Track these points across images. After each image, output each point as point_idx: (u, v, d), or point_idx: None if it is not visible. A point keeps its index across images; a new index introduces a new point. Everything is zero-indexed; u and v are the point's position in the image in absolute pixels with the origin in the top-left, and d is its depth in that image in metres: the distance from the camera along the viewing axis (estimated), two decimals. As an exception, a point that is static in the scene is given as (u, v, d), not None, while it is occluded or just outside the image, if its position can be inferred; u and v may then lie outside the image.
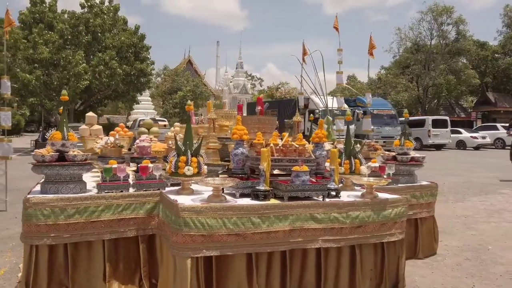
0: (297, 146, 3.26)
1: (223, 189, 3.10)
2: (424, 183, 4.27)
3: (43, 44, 18.32)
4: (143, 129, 5.33)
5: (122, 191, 3.03)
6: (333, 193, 3.15)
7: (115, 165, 3.08)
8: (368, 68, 8.13)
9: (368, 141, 4.91)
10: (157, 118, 23.17)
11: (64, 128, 3.00)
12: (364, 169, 3.56)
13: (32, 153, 2.98)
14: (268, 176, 2.95)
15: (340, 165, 3.54)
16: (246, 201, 2.84)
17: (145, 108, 32.18)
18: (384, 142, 21.59)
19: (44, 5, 20.30)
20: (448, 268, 3.90)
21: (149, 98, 34.50)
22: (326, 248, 2.98)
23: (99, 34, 20.63)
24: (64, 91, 3.44)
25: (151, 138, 4.33)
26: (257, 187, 2.91)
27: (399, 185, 4.08)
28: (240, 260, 2.73)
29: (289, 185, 2.87)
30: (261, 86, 61.31)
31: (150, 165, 3.17)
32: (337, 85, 8.69)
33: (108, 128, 9.85)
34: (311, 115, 6.71)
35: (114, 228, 2.96)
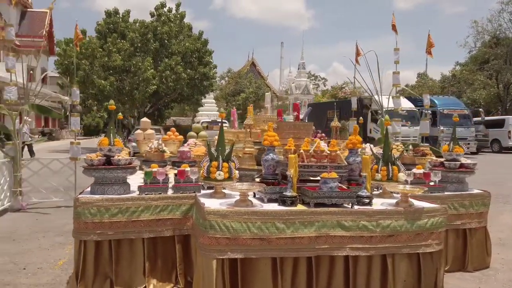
0: (329, 152, 3.26)
1: (254, 194, 3.22)
2: (475, 191, 4.01)
3: (116, 52, 19.82)
4: (192, 133, 5.61)
5: (160, 193, 3.25)
6: (366, 200, 3.10)
7: (155, 169, 3.32)
8: (426, 66, 7.74)
9: (422, 145, 4.70)
10: (219, 120, 23.89)
11: (111, 134, 3.29)
12: (402, 176, 3.45)
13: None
14: (295, 182, 2.99)
15: (378, 171, 3.48)
16: (273, 206, 2.91)
17: (209, 110, 33.30)
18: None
19: (118, 15, 21.93)
20: (498, 283, 3.64)
21: (213, 101, 35.62)
22: (355, 256, 2.95)
23: (166, 41, 21.81)
24: (111, 101, 3.77)
25: (195, 143, 4.57)
26: (284, 193, 2.96)
27: (446, 193, 3.88)
28: (265, 264, 2.81)
29: (315, 192, 2.89)
30: (324, 86, 60.50)
31: (187, 169, 3.36)
32: (393, 85, 8.37)
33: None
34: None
35: (153, 227, 3.20)
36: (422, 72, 51.49)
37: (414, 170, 4.07)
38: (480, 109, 25.21)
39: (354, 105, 8.69)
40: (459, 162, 4.00)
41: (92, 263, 3.10)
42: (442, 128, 20.50)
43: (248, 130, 3.98)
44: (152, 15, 23.46)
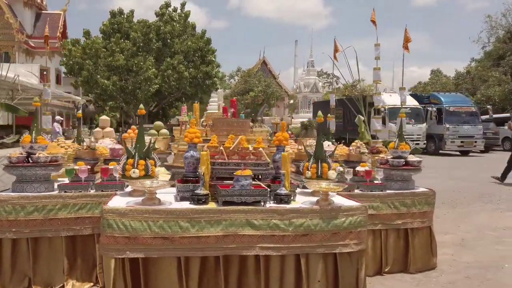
0: (252, 149, 3.18)
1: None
2: (420, 190, 3.87)
3: (119, 52, 20.06)
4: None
5: (80, 191, 3.23)
6: (284, 198, 3.02)
7: (77, 167, 3.30)
8: (402, 64, 7.54)
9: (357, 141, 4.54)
10: None
11: (34, 132, 3.29)
12: (332, 174, 3.34)
13: None
14: (207, 179, 2.93)
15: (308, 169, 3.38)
16: (183, 204, 2.86)
17: (216, 109, 33.37)
18: (461, 142, 19.72)
19: (122, 16, 22.18)
20: (437, 286, 3.49)
21: (221, 99, 35.61)
22: (267, 256, 2.87)
23: (169, 40, 21.94)
24: (36, 98, 3.74)
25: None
26: (196, 191, 2.91)
27: (388, 191, 3.75)
28: (170, 263, 2.75)
29: (224, 190, 2.82)
30: (336, 84, 59.95)
31: (112, 167, 3.33)
32: (374, 82, 8.19)
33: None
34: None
35: (71, 226, 3.18)
36: (436, 69, 50.53)
37: (358, 168, 3.97)
38: (488, 107, 24.46)
39: (332, 102, 8.53)
40: (403, 160, 3.86)
41: (9, 261, 3.10)
42: (447, 126, 19.98)
43: (183, 127, 3.93)
44: (157, 14, 23.64)
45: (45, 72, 32.41)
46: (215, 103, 33.33)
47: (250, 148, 3.26)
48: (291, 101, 48.50)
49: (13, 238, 3.10)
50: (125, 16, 22.16)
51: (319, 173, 3.32)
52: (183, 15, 23.89)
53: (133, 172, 3.02)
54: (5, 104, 6.11)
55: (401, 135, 3.99)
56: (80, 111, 17.93)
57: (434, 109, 20.56)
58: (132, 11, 22.91)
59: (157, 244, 2.69)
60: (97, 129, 5.30)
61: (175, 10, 23.97)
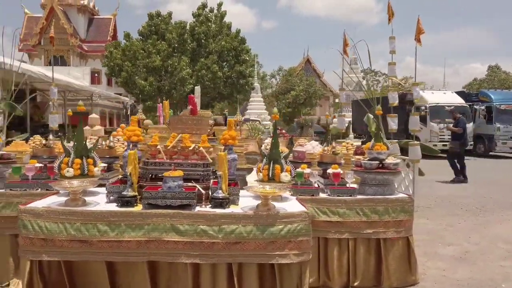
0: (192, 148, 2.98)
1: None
2: (395, 196, 3.45)
3: (156, 53, 20.55)
4: None
5: (25, 190, 3.19)
6: (221, 202, 2.78)
7: (27, 165, 3.27)
8: (415, 57, 6.96)
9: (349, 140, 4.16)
10: (253, 118, 23.72)
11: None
12: (284, 176, 3.04)
13: None
14: (135, 180, 2.77)
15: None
16: (108, 206, 2.72)
17: (257, 108, 33.29)
18: (515, 143, 18.07)
19: (160, 17, 22.72)
20: (406, 305, 3.08)
21: (261, 99, 35.56)
22: (197, 264, 2.65)
23: (203, 41, 22.14)
24: (80, 102, 3.77)
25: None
26: (123, 193, 2.76)
27: (360, 196, 3.38)
28: (101, 268, 2.62)
29: (148, 192, 2.64)
30: (385, 82, 57.73)
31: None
32: (389, 78, 7.65)
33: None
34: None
35: (15, 224, 3.12)
36: (494, 65, 47.00)
37: (329, 170, 3.63)
38: None
39: (393, 100, 8.07)
40: (377, 162, 3.47)
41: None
42: (498, 125, 18.41)
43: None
44: (194, 15, 23.98)
45: (96, 74, 34.21)
46: (255, 102, 33.43)
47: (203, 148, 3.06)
48: (337, 100, 47.37)
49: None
50: (163, 18, 22.66)
51: (271, 175, 3.05)
52: (219, 15, 24.03)
53: (67, 171, 2.92)
54: (8, 103, 6.32)
55: (377, 134, 3.59)
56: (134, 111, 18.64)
57: (483, 107, 19.07)
58: (170, 13, 23.39)
59: (75, 247, 2.56)
60: (86, 127, 5.32)
61: (211, 10, 24.18)
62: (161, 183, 2.85)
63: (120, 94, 26.83)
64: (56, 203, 2.72)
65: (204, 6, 23.89)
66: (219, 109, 41.85)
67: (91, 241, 2.56)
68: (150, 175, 2.90)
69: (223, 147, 3.16)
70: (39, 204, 2.69)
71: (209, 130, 3.76)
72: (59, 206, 2.63)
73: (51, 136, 5.43)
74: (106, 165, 3.58)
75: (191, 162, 2.91)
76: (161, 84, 20.81)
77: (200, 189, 2.82)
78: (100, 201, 2.84)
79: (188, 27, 22.28)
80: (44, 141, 3.78)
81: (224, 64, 21.97)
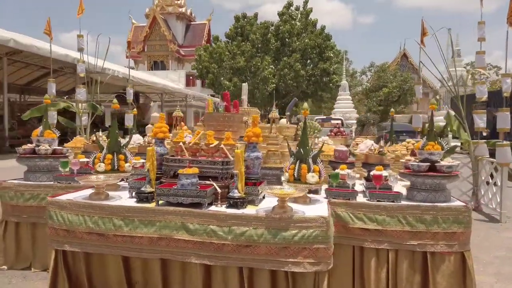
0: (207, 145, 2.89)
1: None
2: (447, 204, 2.95)
3: (241, 54, 21.06)
4: (150, 126, 5.60)
5: (70, 183, 3.42)
6: (237, 202, 2.65)
7: (72, 160, 3.51)
8: (506, 45, 6.02)
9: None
10: (333, 117, 22.91)
11: (41, 126, 3.63)
12: (311, 177, 2.80)
13: None
14: (153, 176, 2.78)
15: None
16: (129, 201, 2.77)
17: (344, 107, 32.19)
18: None
19: (245, 19, 23.23)
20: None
21: (349, 97, 34.29)
22: (209, 265, 2.56)
23: (287, 39, 22.05)
24: (115, 100, 4.09)
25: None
26: (142, 189, 2.79)
27: (404, 202, 2.98)
28: (114, 261, 2.69)
29: (160, 189, 2.62)
30: (497, 75, 51.67)
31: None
32: (477, 69, 6.74)
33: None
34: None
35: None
36: None
37: (373, 172, 3.26)
38: None
39: (419, 95, 7.34)
40: (426, 164, 3.01)
41: (13, 243, 3.48)
42: None
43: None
44: (279, 15, 24.05)
45: (191, 77, 36.40)
46: (342, 101, 32.43)
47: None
48: (437, 97, 43.76)
49: (15, 222, 3.46)
50: (248, 20, 23.11)
51: (296, 176, 2.83)
52: (304, 12, 23.73)
53: (99, 166, 3.05)
54: (91, 104, 6.96)
55: (431, 131, 3.12)
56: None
57: None
58: (256, 14, 23.76)
59: (93, 239, 2.65)
60: (148, 125, 5.60)
61: (297, 8, 24.00)
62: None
63: (213, 95, 28.16)
64: (82, 197, 2.84)
65: (290, 4, 23.83)
66: (317, 108, 41.45)
67: (107, 235, 2.63)
68: (171, 172, 2.88)
69: (245, 144, 3.02)
70: (68, 196, 2.84)
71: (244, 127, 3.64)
72: (82, 199, 2.74)
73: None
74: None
75: (210, 160, 2.83)
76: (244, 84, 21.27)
77: (217, 187, 2.72)
78: (124, 197, 2.91)
79: (272, 26, 22.41)
80: (94, 138, 4.01)
81: (307, 62, 21.63)
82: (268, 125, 4.03)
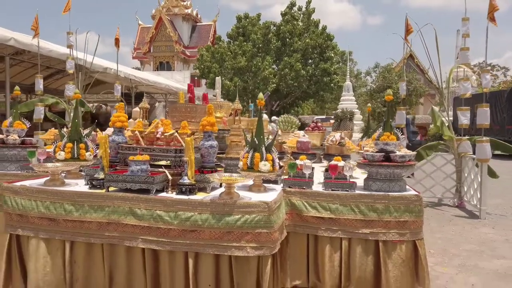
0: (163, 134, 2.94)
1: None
2: (398, 193, 2.95)
3: (242, 54, 21.14)
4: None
5: (35, 172, 3.49)
6: (184, 188, 2.68)
7: (39, 149, 3.58)
8: (486, 40, 6.03)
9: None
10: (327, 117, 22.79)
11: (11, 118, 3.71)
12: (263, 165, 2.83)
13: None
14: (105, 164, 2.83)
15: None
16: (83, 188, 2.83)
17: (347, 107, 32.01)
18: None
19: (248, 19, 23.32)
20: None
21: (353, 98, 34.11)
22: (155, 250, 2.60)
23: (288, 40, 22.08)
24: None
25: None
26: (95, 175, 2.84)
27: (358, 192, 3.00)
28: (57, 247, 2.73)
29: (110, 175, 2.68)
30: (505, 76, 51.14)
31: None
32: (460, 65, 6.72)
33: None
34: None
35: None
36: None
37: (332, 162, 3.28)
38: None
39: (402, 92, 7.31)
40: (381, 154, 3.03)
41: None
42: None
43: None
44: (282, 15, 24.11)
45: (196, 77, 36.61)
46: (346, 101, 32.30)
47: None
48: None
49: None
50: (250, 20, 23.19)
51: (250, 164, 2.87)
52: (306, 12, 23.74)
53: (59, 154, 3.11)
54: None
55: (387, 123, 3.14)
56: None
57: None
58: (258, 15, 23.84)
59: (44, 224, 2.70)
60: (130, 120, 5.65)
61: (300, 9, 24.04)
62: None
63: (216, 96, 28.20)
64: (37, 183, 2.91)
65: (292, 5, 23.87)
66: (308, 109, 41.34)
67: (58, 220, 2.68)
68: (125, 160, 2.93)
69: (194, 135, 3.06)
70: (24, 182, 2.91)
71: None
72: (36, 185, 2.80)
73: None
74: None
75: (163, 148, 2.88)
76: (245, 84, 21.33)
77: (168, 174, 2.76)
78: (81, 184, 2.96)
79: (274, 26, 22.46)
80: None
81: (308, 62, 21.62)
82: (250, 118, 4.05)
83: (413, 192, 2.96)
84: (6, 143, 3.60)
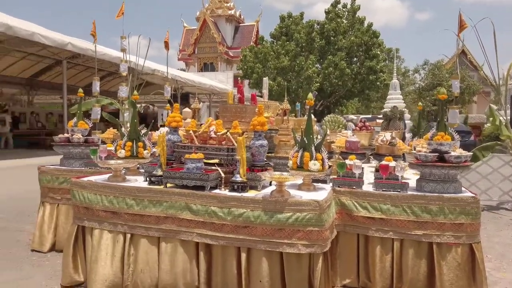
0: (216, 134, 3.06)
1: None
2: (454, 195, 2.88)
3: (285, 54, 21.15)
4: None
5: (98, 168, 3.74)
6: (237, 186, 2.77)
7: (101, 147, 3.83)
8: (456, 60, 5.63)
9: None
10: (379, 116, 22.19)
11: (75, 118, 4.00)
12: (313, 164, 2.88)
13: None
14: (163, 161, 2.98)
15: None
16: (142, 184, 3.00)
17: (393, 104, 31.10)
18: None
19: (291, 19, 23.28)
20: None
21: (400, 96, 33.04)
22: (208, 244, 2.72)
23: (332, 38, 21.80)
24: (136, 96, 4.42)
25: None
26: (153, 172, 3.01)
27: (410, 193, 2.96)
28: (117, 239, 2.91)
29: (167, 172, 2.82)
30: None
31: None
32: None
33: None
34: None
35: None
36: None
37: (382, 162, 3.26)
38: None
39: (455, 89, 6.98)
40: (435, 155, 2.96)
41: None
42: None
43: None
44: (326, 13, 23.86)
45: (239, 78, 37.07)
46: (393, 100, 31.34)
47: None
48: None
49: (51, 204, 3.84)
50: (293, 19, 23.14)
51: (299, 163, 2.92)
52: (352, 10, 23.35)
53: (120, 152, 3.32)
54: (130, 101, 7.39)
55: (441, 122, 3.07)
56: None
57: None
58: (302, 14, 23.74)
59: (108, 217, 2.90)
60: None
61: (344, 6, 23.69)
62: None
63: (259, 96, 28.42)
64: (102, 179, 3.12)
65: (337, 2, 23.57)
66: (353, 108, 40.50)
67: (120, 213, 2.87)
68: (180, 158, 3.08)
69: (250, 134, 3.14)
70: (90, 178, 3.13)
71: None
72: (100, 181, 3.01)
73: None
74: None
75: (216, 147, 2.99)
76: (288, 84, 21.31)
77: (221, 172, 2.87)
78: (140, 180, 3.14)
79: (317, 25, 22.26)
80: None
81: (354, 60, 21.24)
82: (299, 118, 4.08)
83: (469, 194, 2.87)
84: (71, 142, 3.88)
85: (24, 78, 20.36)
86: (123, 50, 7.54)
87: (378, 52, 21.42)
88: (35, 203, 4.12)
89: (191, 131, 3.14)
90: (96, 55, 14.07)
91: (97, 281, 2.84)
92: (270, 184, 3.06)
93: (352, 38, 21.13)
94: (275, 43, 23.08)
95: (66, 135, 4.00)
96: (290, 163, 2.96)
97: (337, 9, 23.41)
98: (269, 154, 3.51)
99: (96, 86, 6.91)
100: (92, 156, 3.79)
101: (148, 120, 22.21)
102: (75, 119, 4.02)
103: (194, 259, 2.75)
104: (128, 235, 2.87)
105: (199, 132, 3.13)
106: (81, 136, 3.94)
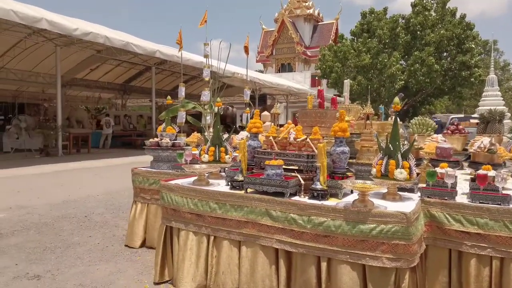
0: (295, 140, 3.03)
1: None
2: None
3: (366, 52, 20.39)
4: None
5: (183, 171, 3.94)
6: (316, 193, 2.73)
7: (186, 151, 4.03)
8: None
9: None
10: (473, 116, 20.25)
11: (164, 124, 4.26)
12: (398, 173, 2.72)
13: None
14: (244, 167, 3.04)
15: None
16: (224, 188, 3.09)
17: (490, 104, 28.17)
18: None
19: (373, 15, 22.37)
20: None
21: (498, 93, 29.85)
22: (289, 252, 2.71)
23: (419, 32, 20.49)
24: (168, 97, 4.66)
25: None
26: (235, 177, 3.08)
27: (476, 203, 2.67)
28: (201, 240, 3.04)
29: (248, 178, 2.87)
30: None
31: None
32: None
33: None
34: None
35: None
36: None
37: (480, 171, 2.97)
38: None
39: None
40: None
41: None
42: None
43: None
44: (412, 6, 22.55)
45: (316, 78, 36.69)
46: (489, 97, 28.63)
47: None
48: None
49: (142, 203, 4.14)
50: (376, 15, 22.20)
51: (384, 171, 2.78)
52: (441, 2, 21.72)
53: (204, 157, 3.47)
54: (210, 105, 7.68)
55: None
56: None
57: None
58: (385, 9, 22.68)
59: (193, 219, 3.04)
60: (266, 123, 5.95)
61: (433, -3, 22.15)
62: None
63: (338, 95, 27.81)
64: (188, 182, 3.28)
65: (423, -6, 22.16)
66: (442, 106, 37.60)
67: (204, 216, 2.98)
68: (260, 164, 3.11)
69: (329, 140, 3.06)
70: (177, 181, 3.31)
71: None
72: (186, 184, 3.17)
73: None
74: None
75: (295, 153, 2.97)
76: (369, 82, 20.51)
77: (301, 179, 2.85)
78: (222, 184, 3.25)
79: (402, 20, 21.10)
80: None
81: (443, 55, 19.72)
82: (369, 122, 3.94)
83: None
84: (160, 146, 4.14)
85: (118, 84, 22.40)
86: (206, 56, 7.88)
87: (473, 46, 19.63)
88: (127, 200, 4.48)
89: (271, 137, 3.16)
90: (184, 62, 14.94)
91: (185, 280, 2.99)
92: (352, 192, 2.96)
93: (442, 32, 19.65)
94: (355, 41, 22.39)
95: (156, 139, 4.27)
96: (373, 170, 2.82)
97: (424, 1, 21.97)
98: (350, 160, 3.40)
99: (182, 92, 7.32)
100: (178, 160, 4.02)
101: (227, 120, 23.00)
102: (163, 124, 4.28)
103: (273, 265, 2.76)
104: (212, 238, 2.98)
105: (279, 138, 3.13)
106: (169, 141, 4.18)
